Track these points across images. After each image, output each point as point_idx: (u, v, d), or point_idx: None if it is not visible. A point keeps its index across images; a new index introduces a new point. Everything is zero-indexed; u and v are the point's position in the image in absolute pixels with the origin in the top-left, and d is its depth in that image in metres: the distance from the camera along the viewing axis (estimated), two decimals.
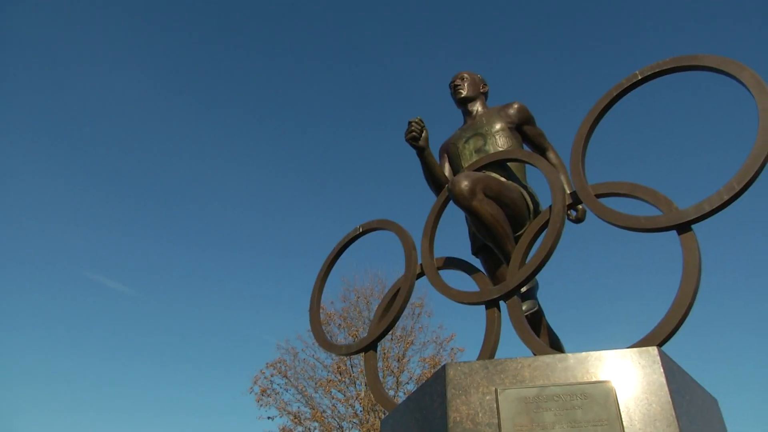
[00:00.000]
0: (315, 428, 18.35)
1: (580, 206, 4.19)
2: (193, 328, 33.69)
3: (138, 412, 31.49)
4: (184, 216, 36.31)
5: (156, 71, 37.24)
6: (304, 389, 18.97)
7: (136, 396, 31.62)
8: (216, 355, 33.00)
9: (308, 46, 38.88)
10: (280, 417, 18.61)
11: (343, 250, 4.45)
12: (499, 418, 2.41)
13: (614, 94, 3.55)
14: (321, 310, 4.93)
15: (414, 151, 4.25)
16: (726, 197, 2.82)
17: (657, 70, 3.41)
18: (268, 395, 18.81)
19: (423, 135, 4.17)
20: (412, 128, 4.12)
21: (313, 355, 19.36)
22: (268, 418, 18.67)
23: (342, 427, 18.30)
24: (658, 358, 2.44)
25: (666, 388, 2.35)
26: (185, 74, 37.80)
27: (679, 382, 2.50)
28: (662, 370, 2.40)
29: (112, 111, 34.31)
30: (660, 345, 2.68)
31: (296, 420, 18.40)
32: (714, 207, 2.85)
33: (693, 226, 2.93)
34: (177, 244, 36.21)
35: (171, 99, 37.76)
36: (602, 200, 3.33)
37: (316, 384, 18.93)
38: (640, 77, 3.48)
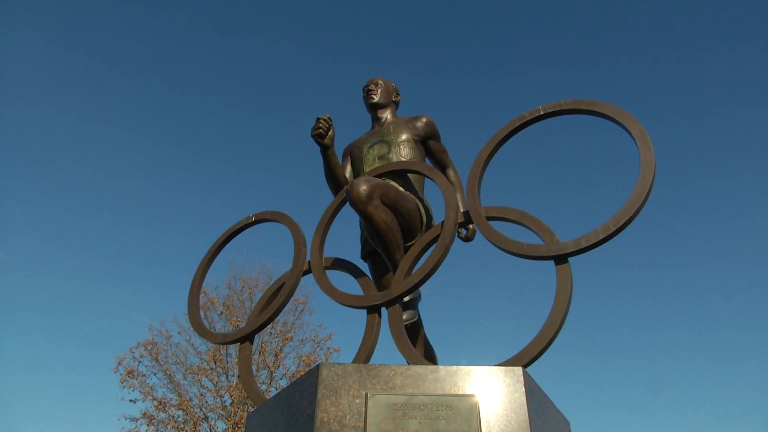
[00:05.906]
0: (179, 417, 17.73)
1: (471, 225, 4.33)
2: (63, 299, 31.59)
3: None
4: (66, 182, 33.81)
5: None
6: (173, 375, 18.32)
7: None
8: (83, 330, 31.11)
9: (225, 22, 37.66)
10: (143, 401, 17.89)
11: (233, 236, 4.35)
12: (365, 422, 2.44)
13: (516, 125, 3.71)
14: (202, 295, 4.79)
15: (317, 148, 4.24)
16: (602, 236, 3.05)
17: (558, 109, 3.61)
18: (134, 377, 18.00)
19: (329, 134, 4.17)
20: (320, 125, 4.11)
21: (188, 340, 18.70)
22: (131, 401, 17.86)
23: (208, 418, 17.81)
24: (522, 378, 2.57)
25: (525, 407, 2.48)
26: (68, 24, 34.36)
27: (538, 403, 2.65)
28: (524, 390, 2.53)
29: None
30: (525, 366, 2.82)
31: (160, 406, 17.68)
32: (590, 243, 3.07)
33: (570, 259, 3.12)
34: (55, 210, 33.73)
35: (58, 56, 34.54)
36: (492, 223, 3.46)
37: (186, 370, 18.31)
38: (542, 113, 3.65)
